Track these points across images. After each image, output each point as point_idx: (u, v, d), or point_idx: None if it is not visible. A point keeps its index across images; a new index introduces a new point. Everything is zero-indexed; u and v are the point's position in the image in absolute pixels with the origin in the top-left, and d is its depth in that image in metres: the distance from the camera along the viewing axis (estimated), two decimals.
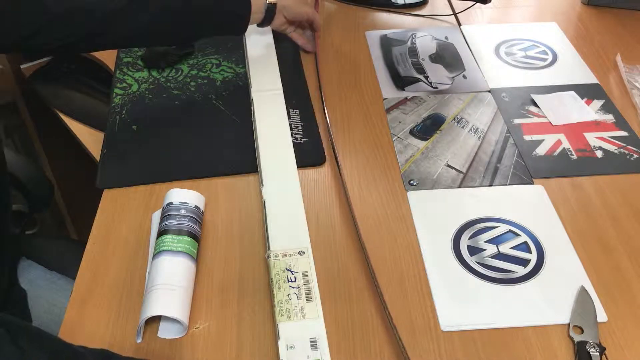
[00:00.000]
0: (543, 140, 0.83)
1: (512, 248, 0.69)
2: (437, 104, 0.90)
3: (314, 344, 0.56)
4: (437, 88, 0.94)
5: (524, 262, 0.67)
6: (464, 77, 0.96)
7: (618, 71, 0.97)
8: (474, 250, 0.68)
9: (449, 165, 0.79)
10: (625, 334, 0.60)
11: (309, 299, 0.59)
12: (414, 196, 0.75)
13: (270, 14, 0.90)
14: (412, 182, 0.77)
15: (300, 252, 0.64)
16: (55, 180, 1.40)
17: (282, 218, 0.68)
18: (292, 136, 0.82)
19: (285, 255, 0.63)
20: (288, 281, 0.61)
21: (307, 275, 0.61)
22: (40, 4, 0.71)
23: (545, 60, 1.00)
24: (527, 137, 0.84)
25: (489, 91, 0.93)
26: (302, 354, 0.55)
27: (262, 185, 0.72)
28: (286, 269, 0.62)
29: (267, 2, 0.88)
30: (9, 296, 0.83)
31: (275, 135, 0.80)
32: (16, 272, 0.87)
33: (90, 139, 1.11)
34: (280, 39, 1.01)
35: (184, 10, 0.80)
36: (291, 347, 0.56)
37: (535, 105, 0.90)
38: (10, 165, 0.95)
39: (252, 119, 0.83)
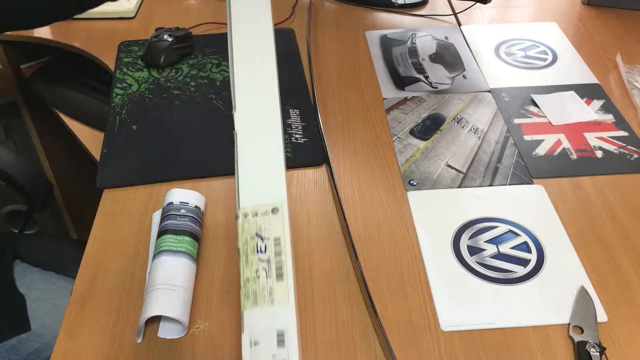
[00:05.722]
0: (543, 140, 0.83)
1: (512, 248, 0.69)
2: (437, 104, 0.90)
3: (280, 339, 0.45)
4: (437, 88, 0.94)
5: (524, 262, 0.67)
6: (464, 77, 0.96)
7: (618, 71, 0.97)
8: (474, 250, 0.68)
9: (449, 165, 0.79)
10: (625, 334, 0.60)
11: (279, 276, 0.46)
12: (414, 196, 0.75)
13: None
14: (412, 182, 0.77)
15: (274, 210, 0.49)
16: (55, 180, 1.40)
17: (257, 162, 0.51)
18: (292, 136, 0.82)
19: (257, 215, 0.49)
20: (257, 252, 0.48)
21: (279, 244, 0.48)
22: None
23: (545, 60, 1.00)
24: (527, 137, 0.84)
25: (489, 91, 0.93)
26: (267, 353, 0.44)
27: (234, 110, 0.53)
28: (256, 234, 0.48)
29: None
30: (7, 301, 0.83)
31: (256, 47, 0.57)
32: (13, 276, 0.87)
33: (90, 139, 1.11)
34: (280, 39, 1.01)
35: None
36: (255, 343, 0.46)
37: (535, 105, 0.90)
38: (10, 165, 0.95)
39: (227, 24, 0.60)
